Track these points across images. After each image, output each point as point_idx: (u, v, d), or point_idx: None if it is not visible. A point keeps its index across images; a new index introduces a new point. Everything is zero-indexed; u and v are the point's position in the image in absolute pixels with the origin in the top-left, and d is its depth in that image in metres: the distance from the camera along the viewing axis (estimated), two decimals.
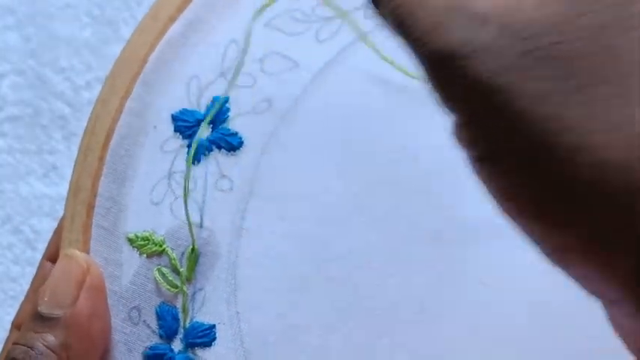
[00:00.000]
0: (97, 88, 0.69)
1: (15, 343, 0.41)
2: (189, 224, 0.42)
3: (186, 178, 0.42)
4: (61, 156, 0.70)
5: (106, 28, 0.72)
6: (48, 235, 0.68)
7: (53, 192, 0.70)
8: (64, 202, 0.60)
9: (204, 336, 0.42)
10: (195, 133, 0.43)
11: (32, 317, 0.41)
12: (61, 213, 0.68)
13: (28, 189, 0.70)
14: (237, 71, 0.43)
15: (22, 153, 0.70)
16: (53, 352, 0.40)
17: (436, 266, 0.41)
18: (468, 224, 0.41)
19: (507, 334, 0.40)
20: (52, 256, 0.44)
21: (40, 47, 0.71)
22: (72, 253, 0.42)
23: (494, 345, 0.40)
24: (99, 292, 0.42)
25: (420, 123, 0.42)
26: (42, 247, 0.68)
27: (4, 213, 0.69)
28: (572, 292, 0.29)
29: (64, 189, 0.70)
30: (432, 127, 0.40)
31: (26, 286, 0.67)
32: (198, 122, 0.43)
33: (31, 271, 0.69)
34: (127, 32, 0.70)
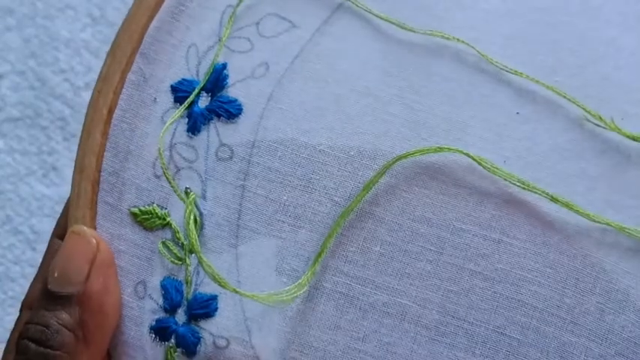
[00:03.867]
0: None
1: (28, 323, 0.41)
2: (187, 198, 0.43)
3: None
4: (60, 157, 0.70)
5: (106, 29, 0.72)
6: (48, 236, 0.68)
7: (53, 193, 0.70)
8: (64, 203, 0.61)
9: (206, 307, 0.42)
10: (194, 102, 0.43)
11: (43, 295, 0.41)
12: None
13: (28, 190, 0.69)
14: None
15: (22, 154, 0.70)
16: (68, 329, 0.40)
17: None
18: None
19: None
20: (60, 233, 0.44)
21: (40, 48, 0.71)
22: (80, 229, 0.42)
23: None
24: (109, 267, 0.42)
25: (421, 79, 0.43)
26: (42, 247, 0.68)
27: (4, 214, 0.69)
28: None
29: (64, 190, 0.69)
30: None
31: (26, 287, 0.67)
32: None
33: (31, 272, 0.69)
34: None
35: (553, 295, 0.41)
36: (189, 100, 0.43)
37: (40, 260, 0.45)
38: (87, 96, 0.70)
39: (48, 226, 0.69)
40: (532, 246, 0.42)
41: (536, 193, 0.41)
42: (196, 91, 0.43)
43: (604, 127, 0.42)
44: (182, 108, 0.43)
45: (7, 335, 0.66)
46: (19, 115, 0.70)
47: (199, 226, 0.43)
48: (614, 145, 0.42)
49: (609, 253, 0.42)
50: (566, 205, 0.41)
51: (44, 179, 0.69)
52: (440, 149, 0.42)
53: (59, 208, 0.69)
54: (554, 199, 0.41)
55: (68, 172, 0.68)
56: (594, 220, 0.41)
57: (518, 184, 0.41)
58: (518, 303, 0.41)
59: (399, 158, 0.42)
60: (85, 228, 0.42)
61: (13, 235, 0.69)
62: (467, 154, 0.41)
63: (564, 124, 0.42)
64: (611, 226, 0.41)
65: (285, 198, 0.43)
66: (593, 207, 0.42)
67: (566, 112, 0.42)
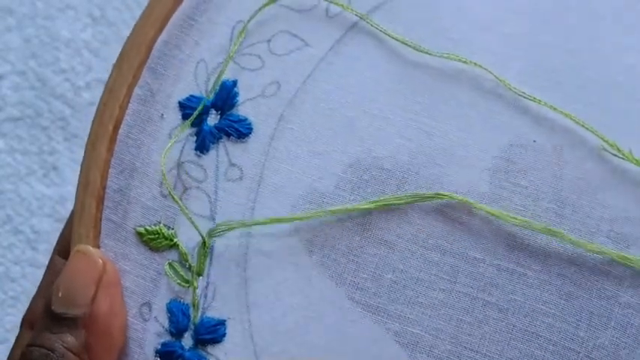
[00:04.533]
0: (98, 90, 0.69)
1: (31, 345, 0.40)
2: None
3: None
4: (61, 157, 0.70)
5: (107, 29, 0.72)
6: (48, 236, 0.68)
7: (53, 193, 0.70)
8: (64, 203, 0.60)
9: (214, 332, 0.41)
10: (203, 120, 0.42)
11: (47, 317, 0.40)
12: (61, 214, 0.68)
13: (28, 190, 0.69)
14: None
15: (23, 154, 0.70)
16: (74, 353, 0.40)
17: None
18: None
19: None
20: (62, 250, 0.43)
21: (40, 48, 0.71)
22: (86, 249, 0.41)
23: None
24: (115, 288, 0.41)
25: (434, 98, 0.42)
26: (42, 247, 0.68)
27: (4, 213, 0.69)
28: None
29: (64, 190, 0.69)
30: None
31: (27, 287, 0.67)
32: (206, 109, 0.42)
33: (31, 272, 0.69)
34: (127, 33, 0.70)
35: (567, 328, 0.41)
36: (193, 116, 0.42)
37: (41, 265, 0.45)
38: (88, 96, 0.70)
39: (48, 226, 0.69)
40: (547, 277, 0.41)
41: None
42: (200, 107, 0.42)
43: (622, 158, 0.41)
44: (187, 123, 0.42)
45: (7, 335, 0.65)
46: (19, 115, 0.69)
47: (208, 248, 0.42)
48: (632, 176, 0.41)
49: (626, 287, 0.41)
50: (557, 234, 0.40)
51: (45, 179, 0.69)
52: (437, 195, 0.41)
53: (60, 208, 0.69)
54: (548, 231, 0.40)
55: (69, 172, 0.68)
56: (592, 251, 0.41)
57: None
58: (532, 335, 0.41)
59: (416, 200, 0.41)
60: (91, 247, 0.42)
61: (13, 235, 0.69)
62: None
63: (582, 153, 0.41)
64: (610, 255, 0.40)
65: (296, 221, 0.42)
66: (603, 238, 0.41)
67: (583, 140, 0.41)
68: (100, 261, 0.41)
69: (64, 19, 0.71)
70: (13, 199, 0.69)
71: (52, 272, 0.44)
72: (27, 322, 0.43)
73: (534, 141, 0.41)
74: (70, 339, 0.40)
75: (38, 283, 0.45)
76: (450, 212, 0.41)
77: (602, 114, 0.41)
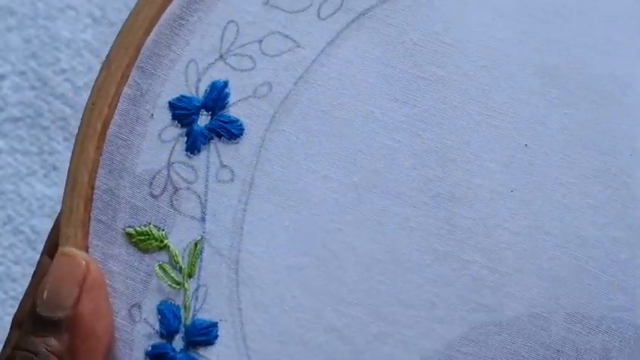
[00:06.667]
0: None
1: (16, 348, 0.40)
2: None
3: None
4: (61, 157, 0.70)
5: (107, 29, 0.72)
6: None
7: (54, 193, 0.70)
8: None
9: (205, 334, 0.41)
10: (194, 121, 0.42)
11: (32, 319, 0.40)
12: None
13: (28, 190, 0.69)
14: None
15: (23, 154, 0.70)
16: (57, 356, 0.40)
17: None
18: None
19: None
20: (51, 251, 0.43)
21: (40, 48, 0.71)
22: (70, 251, 0.41)
23: None
24: (100, 290, 0.41)
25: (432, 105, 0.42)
26: (42, 247, 0.69)
27: (4, 214, 0.69)
28: None
29: None
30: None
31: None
32: (197, 109, 0.42)
33: (32, 272, 0.69)
34: None
35: (558, 332, 0.41)
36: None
37: (39, 255, 0.45)
38: (88, 96, 0.70)
39: (49, 226, 0.69)
40: (539, 280, 0.41)
41: None
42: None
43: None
44: None
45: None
46: (19, 115, 0.70)
47: (199, 250, 0.42)
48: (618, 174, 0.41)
49: (616, 291, 0.41)
50: None
51: (45, 179, 0.69)
52: None
53: (60, 208, 0.69)
54: None
55: None
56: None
57: None
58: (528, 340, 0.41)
59: None
60: (75, 249, 0.41)
61: (13, 235, 0.69)
62: None
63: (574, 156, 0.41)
64: None
65: (287, 223, 0.41)
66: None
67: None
68: (84, 262, 0.41)
69: (64, 19, 0.71)
70: (14, 199, 0.69)
71: (39, 273, 0.44)
72: (16, 323, 0.43)
73: (526, 145, 0.41)
74: (53, 342, 0.40)
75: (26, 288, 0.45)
76: (442, 214, 0.41)
77: (595, 120, 0.41)
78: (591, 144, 0.41)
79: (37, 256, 0.68)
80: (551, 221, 0.41)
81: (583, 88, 0.41)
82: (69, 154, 0.70)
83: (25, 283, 0.68)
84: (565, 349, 0.41)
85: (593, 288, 0.41)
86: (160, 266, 0.42)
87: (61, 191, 0.69)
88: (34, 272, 0.44)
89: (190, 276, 0.42)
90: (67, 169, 0.42)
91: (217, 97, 0.42)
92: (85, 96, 0.70)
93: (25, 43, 0.71)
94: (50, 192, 0.70)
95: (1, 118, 0.70)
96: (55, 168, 0.70)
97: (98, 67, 0.69)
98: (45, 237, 0.69)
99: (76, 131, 0.69)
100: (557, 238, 0.41)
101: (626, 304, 0.41)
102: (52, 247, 0.43)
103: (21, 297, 0.68)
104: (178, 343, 0.42)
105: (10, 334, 0.43)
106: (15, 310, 0.69)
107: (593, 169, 0.41)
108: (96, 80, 0.42)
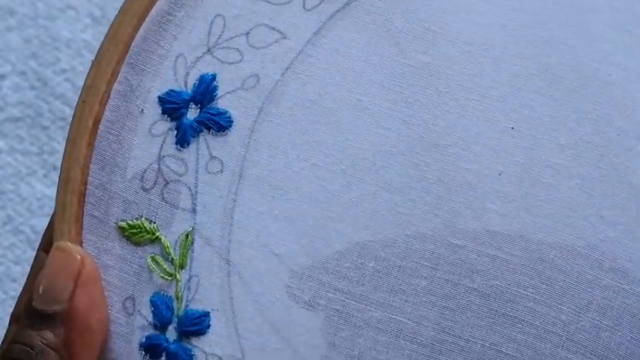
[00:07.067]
0: None
1: (13, 342, 0.40)
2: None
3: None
4: (61, 157, 0.70)
5: (107, 29, 0.72)
6: None
7: (54, 193, 0.70)
8: None
9: (198, 324, 0.42)
10: (183, 114, 0.43)
11: (28, 313, 0.41)
12: None
13: (29, 190, 0.69)
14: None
15: (23, 154, 0.70)
16: (53, 349, 0.40)
17: None
18: None
19: None
20: (47, 247, 0.43)
21: (40, 48, 0.71)
22: (64, 245, 0.42)
23: None
24: (94, 283, 0.41)
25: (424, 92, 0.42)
26: None
27: (5, 214, 0.69)
28: None
29: None
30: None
31: None
32: (186, 103, 0.43)
33: None
34: None
35: (549, 312, 0.41)
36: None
37: (36, 251, 0.45)
38: None
39: None
40: (528, 262, 0.41)
41: None
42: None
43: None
44: None
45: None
46: (20, 115, 0.70)
47: (190, 241, 0.42)
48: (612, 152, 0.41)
49: (606, 270, 0.41)
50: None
51: (45, 179, 0.69)
52: None
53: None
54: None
55: None
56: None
57: None
58: (514, 320, 0.41)
59: None
60: (69, 244, 0.42)
61: (13, 235, 0.69)
62: None
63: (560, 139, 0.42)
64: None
65: (277, 212, 0.42)
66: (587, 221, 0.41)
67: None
68: (79, 256, 0.41)
69: (64, 19, 0.71)
70: (14, 199, 0.69)
71: (35, 268, 0.44)
72: (14, 318, 0.44)
73: (512, 128, 0.42)
74: (49, 335, 0.40)
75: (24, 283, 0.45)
76: (430, 199, 0.41)
77: (580, 102, 0.41)
78: (577, 125, 0.41)
79: None
80: (539, 203, 0.41)
81: (567, 70, 0.42)
82: None
83: None
84: (556, 330, 0.41)
85: (581, 268, 0.41)
86: (152, 258, 0.42)
87: None
88: (31, 267, 0.44)
89: (182, 267, 0.42)
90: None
91: (206, 90, 0.42)
92: None
93: (25, 43, 0.71)
94: (50, 192, 0.70)
95: (1, 118, 0.70)
96: (55, 168, 0.70)
97: None
98: None
99: None
100: (545, 220, 0.41)
101: (615, 282, 0.41)
102: (47, 243, 0.43)
103: None
104: (171, 333, 0.42)
105: (8, 329, 0.43)
106: None
107: (581, 150, 0.41)
108: (86, 77, 0.42)
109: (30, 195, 0.70)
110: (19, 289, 0.68)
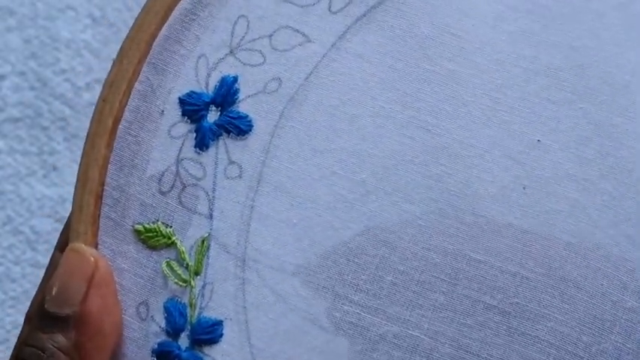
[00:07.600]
0: (98, 90, 0.69)
1: (23, 343, 0.40)
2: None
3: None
4: (61, 157, 0.70)
5: (107, 29, 0.72)
6: (48, 236, 0.68)
7: (54, 193, 0.69)
8: (64, 204, 0.59)
9: (210, 332, 0.41)
10: (203, 117, 0.42)
11: (40, 315, 0.40)
12: (61, 214, 0.68)
13: (28, 190, 0.69)
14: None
15: (23, 154, 0.70)
16: (64, 352, 0.39)
17: None
18: None
19: None
20: (63, 247, 0.43)
21: (40, 49, 0.71)
22: (78, 247, 0.41)
23: None
24: (108, 287, 0.41)
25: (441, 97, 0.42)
26: (42, 248, 0.68)
27: (4, 214, 0.69)
28: None
29: (64, 190, 0.69)
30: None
31: (27, 287, 0.67)
32: (206, 105, 0.42)
33: (31, 272, 0.69)
34: None
35: (570, 333, 0.40)
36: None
37: (42, 265, 0.45)
38: (88, 96, 0.70)
39: (48, 227, 0.69)
40: (549, 280, 0.40)
41: None
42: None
43: None
44: None
45: (7, 336, 0.65)
46: (19, 115, 0.69)
47: (206, 247, 0.41)
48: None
49: (631, 292, 0.40)
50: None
51: (45, 180, 0.69)
52: None
53: (60, 209, 0.69)
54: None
55: (69, 173, 0.68)
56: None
57: None
58: (534, 339, 0.40)
59: None
60: (83, 245, 0.41)
61: (13, 236, 0.69)
62: None
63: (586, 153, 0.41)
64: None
65: (294, 221, 0.41)
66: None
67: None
68: (92, 259, 0.41)
69: (64, 19, 0.71)
70: (14, 199, 0.69)
71: (51, 268, 0.43)
72: (29, 319, 0.43)
73: (538, 140, 0.41)
74: (60, 338, 0.39)
75: (39, 284, 0.45)
76: (452, 212, 0.41)
77: (610, 115, 0.41)
78: (605, 139, 0.41)
79: (37, 257, 0.68)
80: (564, 219, 0.41)
81: (599, 82, 0.41)
82: (69, 155, 0.70)
83: (25, 283, 0.68)
84: (577, 351, 0.40)
85: (605, 289, 0.40)
86: (168, 264, 0.41)
87: (61, 191, 0.69)
88: (47, 268, 0.44)
89: (197, 274, 0.41)
90: (67, 169, 0.42)
91: (227, 93, 0.42)
92: (85, 96, 0.70)
93: (25, 43, 0.71)
94: (50, 192, 0.70)
95: (1, 119, 0.70)
96: (55, 168, 0.70)
97: (98, 68, 0.69)
98: (45, 237, 0.69)
99: (75, 131, 0.70)
100: (570, 237, 0.40)
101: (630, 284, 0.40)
102: (64, 242, 0.43)
103: (21, 297, 0.68)
104: (184, 341, 0.41)
105: (22, 330, 0.43)
106: (14, 310, 0.69)
107: (609, 166, 0.41)
108: (107, 76, 0.42)
109: (29, 195, 0.69)
110: (19, 290, 0.68)
